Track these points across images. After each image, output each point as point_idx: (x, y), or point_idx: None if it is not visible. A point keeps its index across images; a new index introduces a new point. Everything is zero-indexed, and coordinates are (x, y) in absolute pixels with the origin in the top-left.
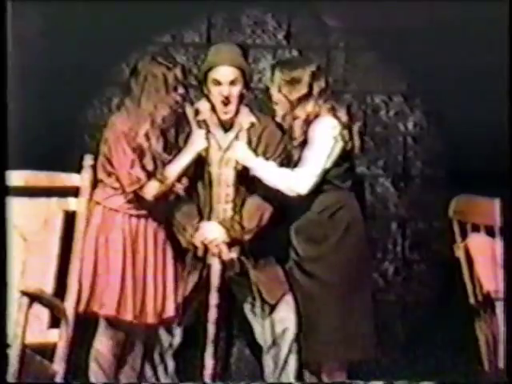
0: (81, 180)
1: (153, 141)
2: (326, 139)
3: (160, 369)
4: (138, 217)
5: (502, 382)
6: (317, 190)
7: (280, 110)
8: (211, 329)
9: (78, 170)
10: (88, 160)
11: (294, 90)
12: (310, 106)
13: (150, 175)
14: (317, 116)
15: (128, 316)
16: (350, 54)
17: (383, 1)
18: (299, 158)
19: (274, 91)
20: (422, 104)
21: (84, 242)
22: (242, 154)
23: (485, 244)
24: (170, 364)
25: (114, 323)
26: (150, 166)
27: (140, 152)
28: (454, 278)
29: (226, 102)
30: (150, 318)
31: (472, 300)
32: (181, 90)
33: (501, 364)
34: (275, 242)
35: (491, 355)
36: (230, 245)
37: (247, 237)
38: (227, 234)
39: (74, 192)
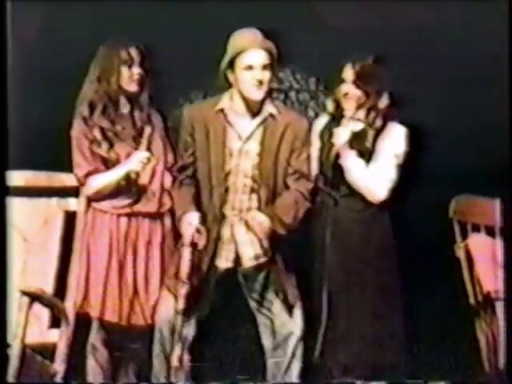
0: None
1: (96, 112)
2: (400, 148)
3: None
4: (128, 216)
5: (502, 382)
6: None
7: (353, 103)
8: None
9: None
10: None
11: (372, 83)
12: (385, 97)
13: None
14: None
15: (113, 317)
16: None
17: (383, 1)
18: (371, 152)
19: (348, 88)
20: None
21: (77, 244)
22: (342, 140)
23: (485, 244)
24: (185, 358)
25: (103, 323)
26: (103, 146)
27: (88, 131)
28: (454, 278)
29: (260, 86)
30: (139, 320)
31: (472, 300)
32: (136, 70)
33: (501, 364)
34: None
35: (491, 355)
36: (268, 237)
37: (283, 231)
38: (270, 224)
39: (74, 192)
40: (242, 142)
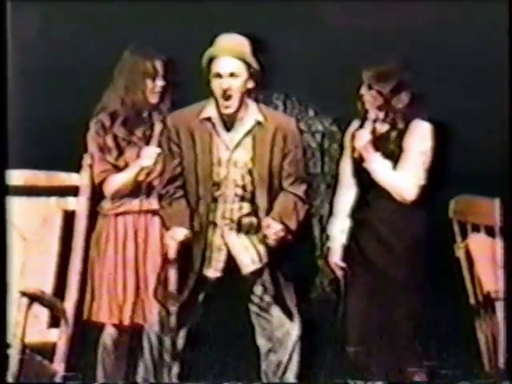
0: (80, 179)
1: (117, 122)
2: (425, 145)
3: (161, 371)
4: (124, 215)
5: (502, 382)
6: None
7: (373, 107)
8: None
9: (78, 169)
10: (87, 160)
11: (386, 83)
12: (404, 96)
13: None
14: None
15: (102, 318)
16: None
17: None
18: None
19: (364, 90)
20: None
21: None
22: (363, 142)
23: (485, 244)
24: (174, 367)
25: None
26: (113, 154)
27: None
28: (454, 278)
29: (225, 96)
30: (127, 321)
31: (472, 300)
32: (160, 82)
33: (501, 364)
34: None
35: (491, 355)
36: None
37: (290, 237)
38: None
39: (74, 191)
40: (230, 151)
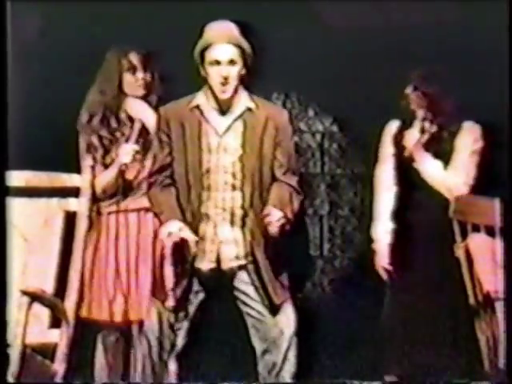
0: (81, 180)
1: (95, 120)
2: (476, 145)
3: (160, 370)
4: (116, 213)
5: (502, 382)
6: None
7: (421, 107)
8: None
9: (79, 170)
10: (88, 160)
11: (434, 84)
12: (451, 98)
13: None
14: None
15: (94, 315)
16: None
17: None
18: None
19: (411, 90)
20: None
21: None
22: (414, 142)
23: (485, 244)
24: (172, 366)
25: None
26: (99, 152)
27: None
28: (453, 278)
29: (225, 83)
30: (118, 318)
31: (472, 300)
32: (140, 75)
33: (501, 364)
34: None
35: (491, 355)
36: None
37: (288, 227)
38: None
39: (75, 192)
40: (219, 136)
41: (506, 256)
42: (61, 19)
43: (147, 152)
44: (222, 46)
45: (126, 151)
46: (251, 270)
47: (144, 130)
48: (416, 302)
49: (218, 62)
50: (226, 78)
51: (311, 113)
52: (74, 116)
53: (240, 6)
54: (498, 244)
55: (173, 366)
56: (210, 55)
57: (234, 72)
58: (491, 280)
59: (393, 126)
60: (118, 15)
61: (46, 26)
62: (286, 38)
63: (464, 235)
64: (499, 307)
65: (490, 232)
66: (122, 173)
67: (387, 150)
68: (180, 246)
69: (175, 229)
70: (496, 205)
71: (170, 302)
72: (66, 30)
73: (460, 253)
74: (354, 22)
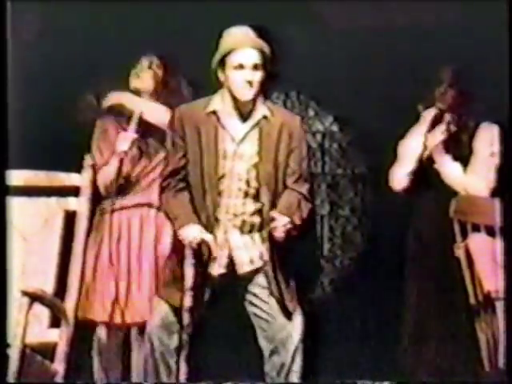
0: (81, 180)
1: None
2: (495, 147)
3: (163, 370)
4: (119, 211)
5: (502, 382)
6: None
7: (450, 107)
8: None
9: (78, 169)
10: (88, 160)
11: (464, 83)
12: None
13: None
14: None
15: (95, 316)
16: None
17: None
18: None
19: (442, 89)
20: None
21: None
22: (436, 143)
23: (485, 244)
24: (180, 366)
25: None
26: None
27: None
28: (454, 278)
29: (249, 87)
30: (118, 319)
31: (472, 300)
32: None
33: (501, 364)
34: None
35: (491, 355)
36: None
37: (295, 233)
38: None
39: (75, 192)
40: (236, 144)
41: (506, 256)
42: (61, 19)
43: (149, 146)
44: (247, 50)
45: (125, 138)
46: (269, 273)
47: (143, 121)
48: (416, 302)
49: (241, 66)
50: (250, 83)
51: (311, 113)
52: (74, 116)
53: (240, 6)
54: (498, 244)
55: (181, 367)
56: (234, 59)
57: (258, 76)
58: (491, 280)
59: (429, 113)
60: (117, 15)
61: (46, 26)
62: (286, 38)
63: (464, 235)
64: (499, 307)
65: (490, 232)
66: (121, 162)
67: (420, 127)
68: (198, 249)
69: (197, 231)
70: (496, 205)
71: (188, 302)
72: (66, 30)
73: (460, 253)
74: (354, 22)
